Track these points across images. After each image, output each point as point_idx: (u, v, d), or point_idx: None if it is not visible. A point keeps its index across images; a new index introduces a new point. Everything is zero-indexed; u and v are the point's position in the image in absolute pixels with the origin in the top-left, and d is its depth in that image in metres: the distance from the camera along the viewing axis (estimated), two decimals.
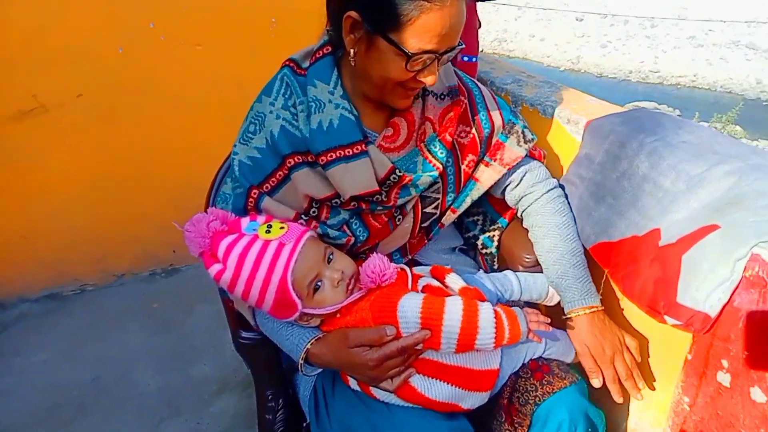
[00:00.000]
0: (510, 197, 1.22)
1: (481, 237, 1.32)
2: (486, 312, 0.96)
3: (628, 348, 1.11)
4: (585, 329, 1.11)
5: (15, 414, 1.78)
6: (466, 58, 1.62)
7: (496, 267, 1.31)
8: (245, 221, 0.97)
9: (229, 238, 0.94)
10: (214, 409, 1.80)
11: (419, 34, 0.88)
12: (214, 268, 0.93)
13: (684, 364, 1.01)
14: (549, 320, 1.01)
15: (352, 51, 0.97)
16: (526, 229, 1.25)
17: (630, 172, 1.15)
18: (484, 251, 1.32)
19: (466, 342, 0.94)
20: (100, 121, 2.13)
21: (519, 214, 1.25)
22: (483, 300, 1.03)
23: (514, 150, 1.17)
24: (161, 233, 2.19)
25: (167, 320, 2.18)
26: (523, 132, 1.18)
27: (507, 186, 1.21)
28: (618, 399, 1.09)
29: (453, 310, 0.95)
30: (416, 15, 0.86)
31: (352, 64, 0.99)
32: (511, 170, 1.17)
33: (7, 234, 2.16)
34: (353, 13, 0.92)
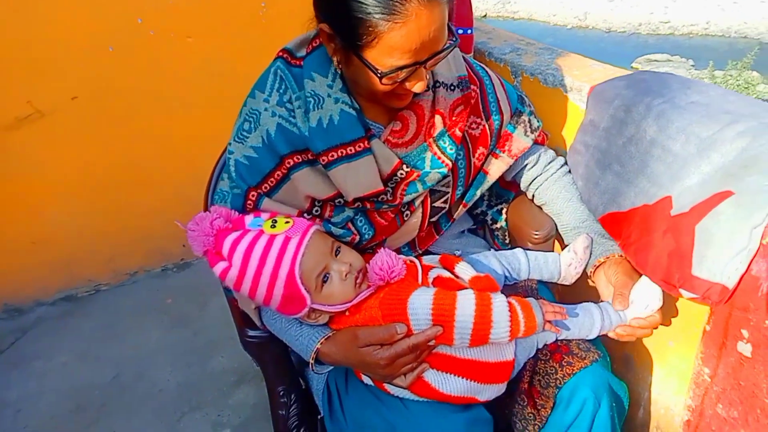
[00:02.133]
0: (521, 181, 1.23)
1: (490, 212, 1.30)
2: (500, 305, 0.93)
3: None
4: (617, 269, 1.06)
5: (40, 418, 1.81)
6: (461, 31, 1.56)
7: (507, 242, 1.28)
8: (249, 218, 0.95)
9: (234, 235, 0.92)
10: (233, 401, 1.82)
11: (387, 52, 0.83)
12: (220, 266, 0.91)
13: (703, 335, 0.97)
14: (564, 309, 0.98)
15: (335, 59, 0.93)
16: (534, 205, 1.23)
17: (637, 137, 1.10)
18: (494, 226, 1.30)
19: (480, 336, 0.92)
20: (97, 122, 2.11)
21: (530, 194, 1.24)
22: (496, 289, 0.99)
23: (521, 140, 1.16)
24: (169, 228, 2.15)
25: (182, 315, 2.20)
26: (529, 120, 1.17)
27: (518, 172, 1.22)
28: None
29: (465, 305, 0.92)
30: (381, 34, 0.81)
31: (339, 69, 0.95)
32: (518, 159, 1.17)
33: (18, 240, 2.17)
34: (325, 27, 0.88)
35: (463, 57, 1.12)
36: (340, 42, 0.88)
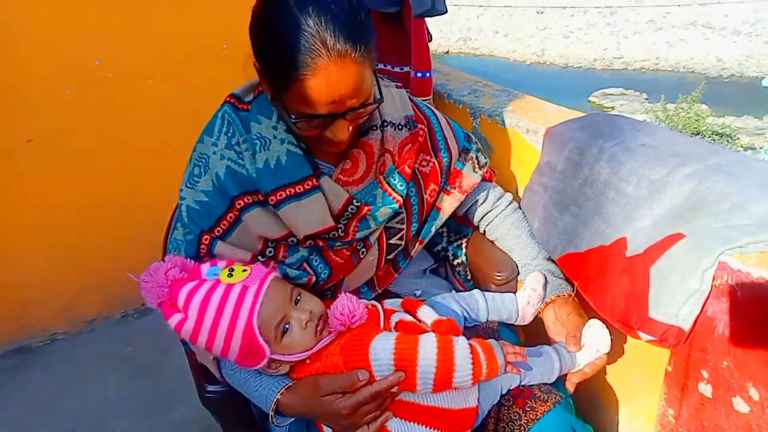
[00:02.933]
0: (473, 216, 1.25)
1: (450, 248, 1.32)
2: (461, 348, 0.92)
3: None
4: (569, 310, 1.10)
5: None
6: (420, 74, 1.59)
7: (469, 278, 1.29)
8: (206, 267, 0.93)
9: (189, 285, 0.89)
10: None
11: (300, 99, 0.85)
12: (175, 319, 0.88)
13: (665, 376, 0.98)
14: (525, 350, 0.99)
15: (269, 94, 0.95)
16: (495, 245, 1.25)
17: (591, 179, 1.13)
18: (455, 262, 1.31)
19: (443, 380, 0.90)
20: (54, 164, 2.05)
21: (482, 230, 1.27)
22: (458, 332, 0.99)
23: (470, 176, 1.19)
24: (127, 274, 2.12)
25: (143, 364, 2.11)
26: (477, 157, 1.21)
27: (470, 207, 1.24)
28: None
29: (427, 348, 0.91)
30: (293, 81, 0.83)
31: (274, 110, 0.97)
32: (469, 195, 1.20)
33: None
34: (257, 65, 0.91)
35: (410, 97, 1.16)
36: (267, 81, 0.91)
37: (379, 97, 0.92)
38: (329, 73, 0.81)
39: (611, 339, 1.04)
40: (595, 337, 1.04)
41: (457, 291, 1.26)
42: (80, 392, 2.00)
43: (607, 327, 1.04)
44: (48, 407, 1.94)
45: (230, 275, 0.90)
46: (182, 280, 0.91)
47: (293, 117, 0.88)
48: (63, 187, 2.10)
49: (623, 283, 0.96)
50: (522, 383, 1.04)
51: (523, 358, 0.97)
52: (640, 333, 0.92)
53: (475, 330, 1.14)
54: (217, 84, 1.21)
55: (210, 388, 1.07)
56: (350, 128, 0.92)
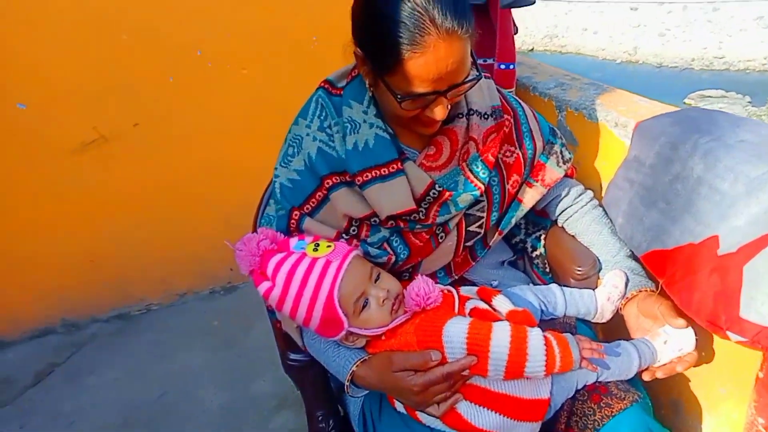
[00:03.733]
0: (553, 211, 1.25)
1: (529, 240, 1.31)
2: (536, 339, 0.92)
3: None
4: (658, 300, 1.06)
5: (91, 431, 1.88)
6: (503, 66, 1.58)
7: (547, 270, 1.28)
8: (294, 240, 0.99)
9: (278, 256, 0.96)
10: (273, 425, 1.85)
11: (407, 79, 0.88)
12: (264, 286, 0.95)
13: (756, 383, 0.94)
14: (602, 347, 0.97)
15: (367, 81, 0.99)
16: (576, 239, 1.24)
17: (683, 174, 1.08)
18: (533, 254, 1.30)
19: (515, 369, 0.91)
20: (156, 148, 2.24)
21: (561, 224, 1.26)
22: (533, 324, 0.99)
23: (554, 171, 1.19)
24: (218, 252, 2.25)
25: (227, 337, 2.26)
26: (561, 152, 1.21)
27: (550, 201, 1.24)
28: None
29: (500, 336, 0.92)
30: (401, 61, 0.86)
31: (371, 92, 1.00)
32: (551, 189, 1.20)
33: (77, 258, 2.30)
34: (358, 51, 0.94)
35: (498, 89, 1.16)
36: (370, 65, 0.94)
37: (477, 74, 0.94)
38: (438, 50, 0.84)
39: (696, 339, 1.00)
40: (679, 334, 1.01)
41: (535, 284, 1.26)
42: (170, 359, 2.17)
43: (694, 327, 1.01)
44: (141, 370, 2.13)
45: (316, 249, 0.96)
46: (272, 251, 0.97)
47: (399, 96, 0.90)
48: (162, 169, 2.28)
49: (713, 282, 0.92)
50: (599, 379, 1.02)
51: (600, 356, 0.95)
52: (729, 333, 0.88)
53: (551, 324, 1.12)
54: (306, 75, 1.28)
55: (292, 356, 1.14)
56: (448, 107, 0.95)
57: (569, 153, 1.22)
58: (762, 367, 0.92)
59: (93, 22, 2.00)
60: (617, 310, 1.13)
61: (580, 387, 1.02)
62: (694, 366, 1.04)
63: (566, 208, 1.24)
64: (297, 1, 2.22)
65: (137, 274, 2.41)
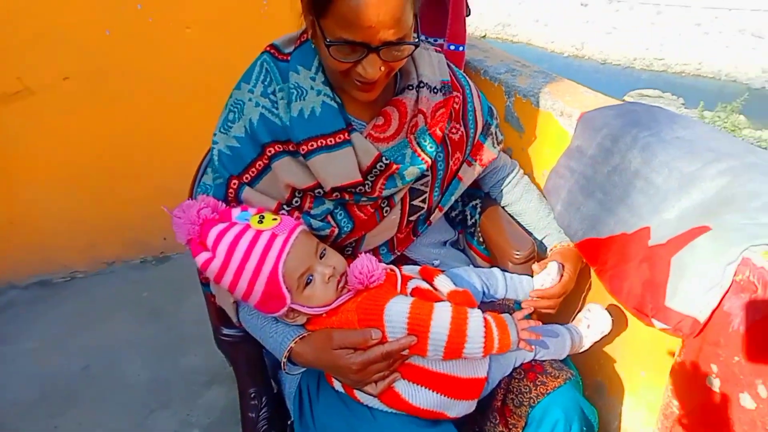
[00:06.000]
0: (486, 183, 1.33)
1: (467, 209, 1.35)
2: (475, 320, 0.93)
3: None
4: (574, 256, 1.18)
5: (3, 404, 1.77)
6: (453, 47, 1.58)
7: (482, 241, 1.32)
8: (236, 210, 0.95)
9: (220, 226, 0.91)
10: (203, 401, 1.80)
11: (337, 21, 0.84)
12: (202, 257, 0.90)
13: (672, 368, 0.99)
14: (539, 327, 0.99)
15: (309, 32, 0.95)
16: (514, 222, 1.29)
17: (621, 167, 1.12)
18: (470, 222, 1.34)
19: (454, 350, 0.91)
20: (86, 105, 2.09)
21: (493, 196, 1.33)
22: (473, 305, 1.00)
23: (490, 151, 1.23)
24: (151, 220, 2.17)
25: (157, 309, 2.17)
26: (496, 133, 1.24)
27: (484, 176, 1.31)
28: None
29: (441, 317, 0.92)
30: (333, 1, 0.83)
31: (313, 46, 0.97)
32: (485, 167, 1.24)
33: None
34: None
35: (448, 63, 1.15)
36: (308, 10, 0.90)
37: (416, 39, 0.91)
38: None
39: (612, 319, 1.10)
40: (598, 319, 1.10)
41: (475, 265, 1.27)
42: (95, 330, 2.06)
43: (608, 310, 1.11)
44: (63, 341, 2.01)
45: (260, 222, 0.92)
46: (213, 221, 0.93)
47: (328, 40, 0.87)
48: (93, 128, 2.13)
49: (642, 271, 0.95)
50: (534, 358, 1.05)
51: (536, 336, 0.97)
52: (654, 321, 0.92)
53: (491, 305, 1.15)
54: (253, 39, 1.22)
55: (226, 331, 1.09)
56: (382, 68, 0.91)
57: (501, 134, 1.27)
58: (680, 353, 0.97)
59: None
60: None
61: (517, 365, 1.05)
62: (616, 352, 1.11)
63: (497, 182, 1.31)
64: None
65: (61, 239, 2.27)
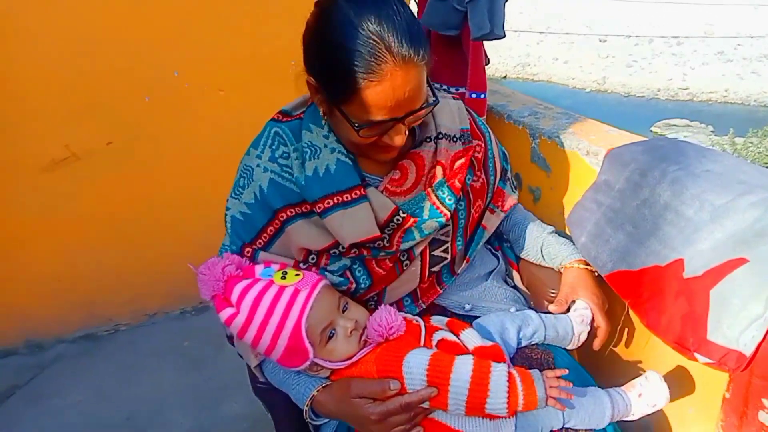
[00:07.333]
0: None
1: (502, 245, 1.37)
2: (498, 374, 0.90)
3: None
4: (589, 282, 1.16)
5: None
6: (474, 95, 1.62)
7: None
8: (260, 267, 0.97)
9: (244, 283, 0.93)
10: None
11: (364, 107, 0.87)
12: (226, 312, 0.92)
13: (723, 403, 0.96)
14: (571, 385, 0.94)
15: (321, 110, 0.98)
16: (543, 266, 1.27)
17: (651, 200, 1.13)
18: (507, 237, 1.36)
19: (476, 404, 0.89)
20: (128, 167, 2.20)
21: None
22: (501, 360, 0.96)
23: (511, 196, 1.26)
24: (189, 273, 2.20)
25: (198, 358, 2.21)
26: (512, 178, 1.28)
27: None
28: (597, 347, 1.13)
29: (462, 369, 0.90)
30: (358, 90, 0.85)
31: (326, 121, 1.00)
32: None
33: (43, 277, 2.23)
34: (311, 79, 0.93)
35: (467, 110, 1.17)
36: (324, 94, 0.93)
37: (434, 99, 0.94)
38: (395, 78, 0.84)
39: (669, 393, 0.99)
40: (653, 390, 0.99)
41: (516, 294, 1.24)
42: (138, 381, 2.11)
43: (665, 381, 1.00)
44: (108, 393, 2.06)
45: (283, 278, 0.94)
46: (237, 277, 0.95)
47: (357, 125, 0.89)
48: (133, 188, 2.24)
49: (680, 305, 0.95)
50: (566, 425, 0.97)
51: (567, 395, 0.91)
52: (697, 355, 0.91)
53: (528, 359, 1.08)
54: (283, 97, 1.29)
55: (262, 379, 1.11)
56: (406, 132, 0.94)
57: (515, 179, 1.30)
58: (728, 388, 0.95)
59: (71, 40, 1.98)
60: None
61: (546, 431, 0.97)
62: None
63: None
64: (275, 25, 2.23)
65: (105, 294, 2.35)
